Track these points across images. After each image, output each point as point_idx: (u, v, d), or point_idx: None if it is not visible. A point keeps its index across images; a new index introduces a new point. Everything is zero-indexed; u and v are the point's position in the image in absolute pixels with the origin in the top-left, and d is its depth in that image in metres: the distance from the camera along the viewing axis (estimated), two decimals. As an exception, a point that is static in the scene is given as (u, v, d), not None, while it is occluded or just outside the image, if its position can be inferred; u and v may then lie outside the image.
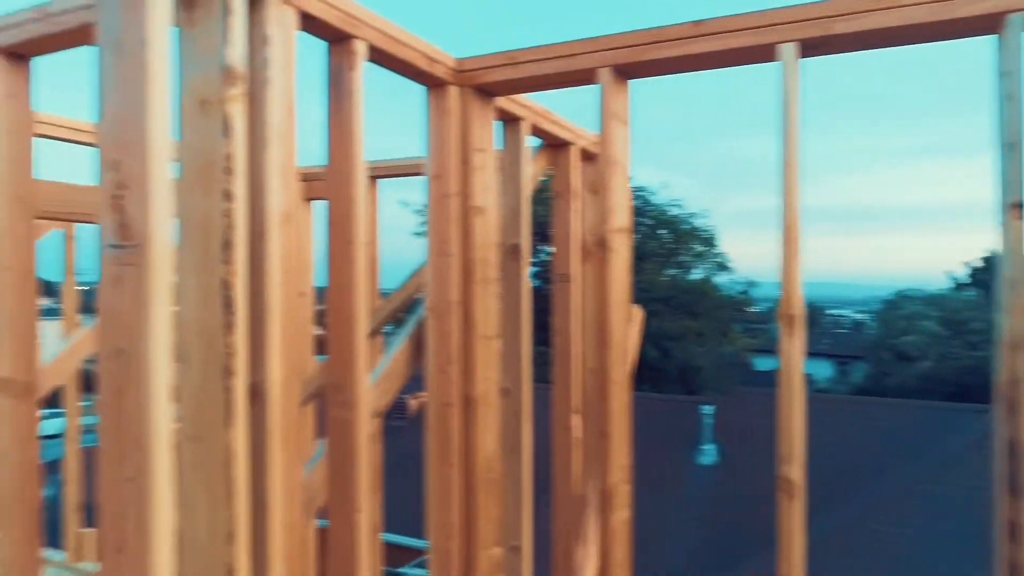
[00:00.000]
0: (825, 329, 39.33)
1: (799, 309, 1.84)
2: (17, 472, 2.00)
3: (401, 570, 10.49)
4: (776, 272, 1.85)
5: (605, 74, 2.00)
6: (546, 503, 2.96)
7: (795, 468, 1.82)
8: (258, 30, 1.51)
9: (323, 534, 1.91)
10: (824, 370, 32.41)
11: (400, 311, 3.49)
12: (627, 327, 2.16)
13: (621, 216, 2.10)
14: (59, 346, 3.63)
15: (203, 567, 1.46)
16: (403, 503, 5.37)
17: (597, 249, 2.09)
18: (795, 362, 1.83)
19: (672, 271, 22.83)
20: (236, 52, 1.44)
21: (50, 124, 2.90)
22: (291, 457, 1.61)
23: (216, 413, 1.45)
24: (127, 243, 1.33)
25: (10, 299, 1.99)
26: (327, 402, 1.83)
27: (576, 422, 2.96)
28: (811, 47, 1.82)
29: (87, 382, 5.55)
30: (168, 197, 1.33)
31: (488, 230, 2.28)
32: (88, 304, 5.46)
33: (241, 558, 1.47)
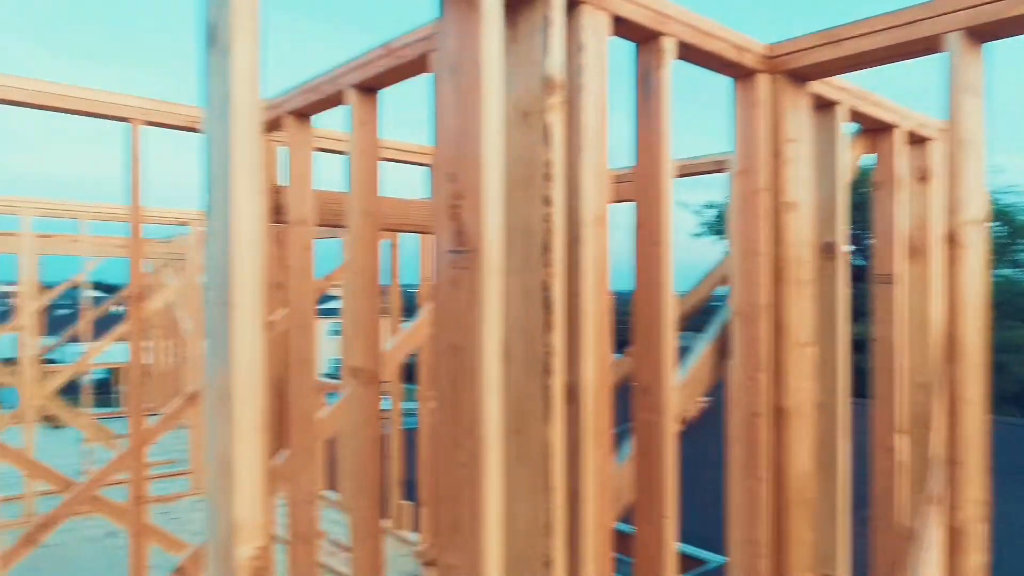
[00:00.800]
0: None
1: None
2: (365, 448, 2.32)
3: (682, 578, 10.26)
4: None
5: (954, 40, 1.71)
6: (862, 530, 2.64)
7: None
8: (574, 38, 1.55)
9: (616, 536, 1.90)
10: None
11: (692, 314, 3.39)
12: (983, 336, 1.83)
13: (975, 206, 1.77)
14: (389, 341, 4.17)
15: (522, 555, 1.54)
16: (683, 510, 5.22)
17: (946, 245, 1.80)
18: None
19: (1006, 270, 19.26)
20: (555, 62, 1.49)
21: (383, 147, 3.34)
22: (603, 455, 1.62)
23: (535, 408, 1.52)
24: (463, 248, 1.45)
25: (361, 299, 2.32)
26: (634, 404, 1.83)
27: (900, 443, 2.60)
28: None
29: (408, 372, 6.33)
30: (499, 205, 1.42)
31: (801, 227, 2.10)
32: (409, 304, 6.23)
33: (558, 551, 1.52)
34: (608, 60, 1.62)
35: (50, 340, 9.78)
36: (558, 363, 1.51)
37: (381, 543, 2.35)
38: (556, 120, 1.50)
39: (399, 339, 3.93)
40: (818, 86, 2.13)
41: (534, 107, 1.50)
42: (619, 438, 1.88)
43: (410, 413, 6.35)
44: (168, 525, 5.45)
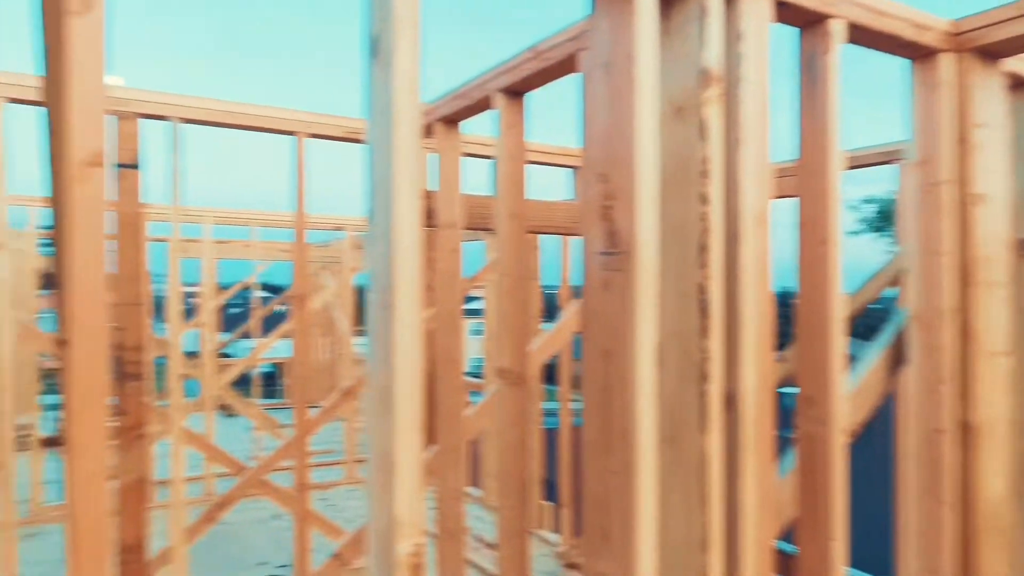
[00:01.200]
0: None
1: None
2: (513, 448, 2.33)
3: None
4: None
5: None
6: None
7: None
8: (732, 27, 1.47)
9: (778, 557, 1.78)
10: None
11: (855, 318, 3.14)
12: None
13: None
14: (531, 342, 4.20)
15: (676, 569, 1.48)
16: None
17: None
18: None
19: None
20: (712, 53, 1.42)
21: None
22: (763, 467, 1.52)
23: (691, 417, 1.45)
24: (615, 250, 1.41)
25: (508, 301, 2.34)
26: (797, 414, 1.71)
27: (1117, 469, 2.25)
28: None
29: (548, 373, 6.37)
30: (653, 205, 1.37)
31: (992, 222, 1.87)
32: (550, 306, 6.26)
33: (714, 567, 1.44)
34: (769, 48, 1.52)
35: (225, 336, 10.79)
36: (715, 369, 1.44)
37: (527, 543, 2.36)
38: (713, 114, 1.42)
39: (541, 341, 3.95)
40: (1014, 63, 1.89)
41: (689, 101, 1.43)
42: (778, 447, 1.77)
43: (550, 413, 6.38)
44: (326, 511, 5.82)
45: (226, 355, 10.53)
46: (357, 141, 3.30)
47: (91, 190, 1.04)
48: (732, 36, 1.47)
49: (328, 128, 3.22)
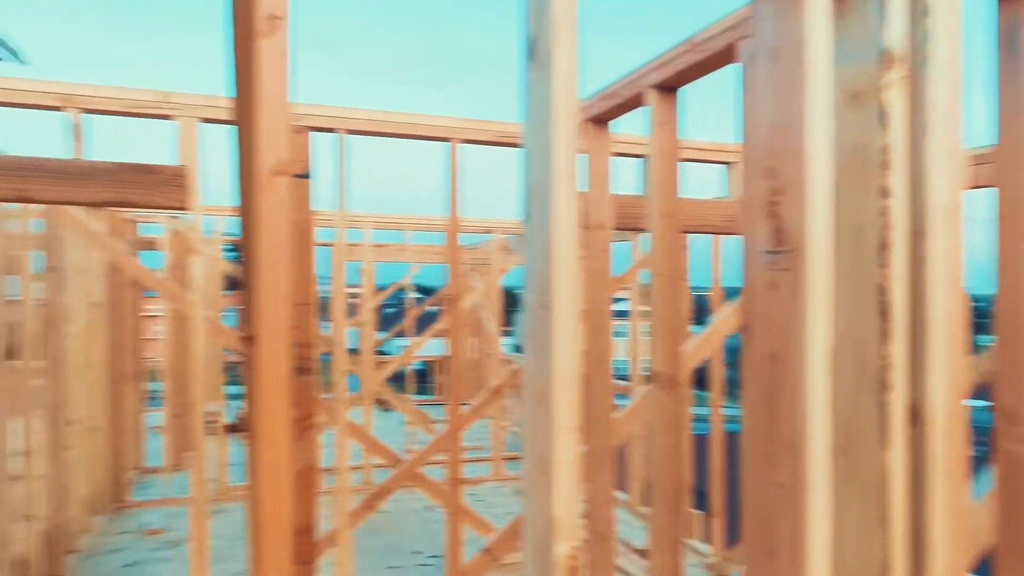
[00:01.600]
0: None
1: None
2: (666, 454, 2.27)
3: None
4: None
5: None
6: None
7: None
8: (918, 1, 1.33)
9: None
10: None
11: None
12: None
13: None
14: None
15: (851, 592, 1.36)
16: None
17: None
18: None
19: None
20: (894, 32, 1.29)
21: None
22: (954, 488, 1.37)
23: (868, 429, 1.33)
24: (782, 248, 1.33)
25: (660, 303, 2.28)
26: (996, 431, 1.52)
27: None
28: None
29: (699, 377, 6.15)
30: (825, 200, 1.28)
31: None
32: (700, 308, 6.05)
33: (897, 595, 1.31)
34: (961, 23, 1.37)
35: (382, 335, 11.40)
36: (898, 378, 1.31)
37: (681, 552, 2.29)
38: (895, 99, 1.30)
39: (693, 344, 3.82)
40: None
41: (867, 86, 1.32)
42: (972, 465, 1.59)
43: (700, 419, 6.17)
44: (475, 506, 5.99)
45: (382, 352, 11.13)
46: (508, 145, 3.36)
47: (276, 197, 1.13)
48: (918, 12, 1.33)
49: (479, 133, 3.31)
